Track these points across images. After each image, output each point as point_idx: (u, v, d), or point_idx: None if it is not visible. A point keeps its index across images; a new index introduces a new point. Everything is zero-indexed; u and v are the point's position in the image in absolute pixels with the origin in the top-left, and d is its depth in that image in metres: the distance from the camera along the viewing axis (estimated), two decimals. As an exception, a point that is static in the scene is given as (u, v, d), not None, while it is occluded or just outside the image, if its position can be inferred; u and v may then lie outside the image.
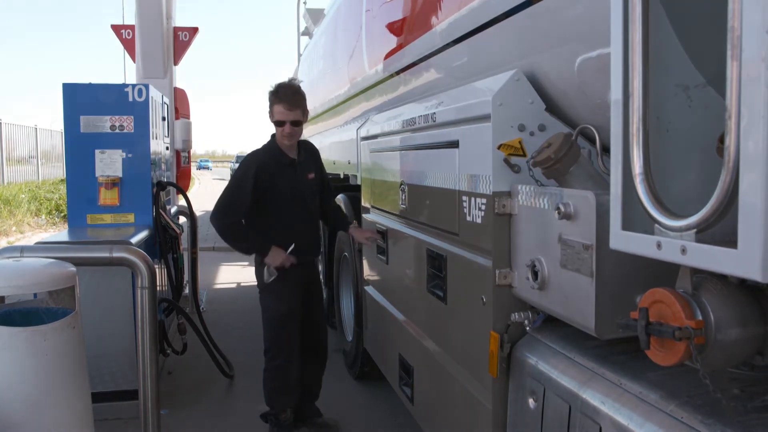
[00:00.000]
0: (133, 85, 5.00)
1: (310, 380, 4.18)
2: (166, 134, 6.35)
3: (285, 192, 3.85)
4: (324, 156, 6.47)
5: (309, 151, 4.11)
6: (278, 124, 3.79)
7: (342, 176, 5.76)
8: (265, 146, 3.97)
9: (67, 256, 3.02)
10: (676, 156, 1.54)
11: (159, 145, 5.68)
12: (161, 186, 5.34)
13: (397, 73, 3.99)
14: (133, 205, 5.01)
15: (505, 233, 2.43)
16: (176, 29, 8.45)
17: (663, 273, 1.64)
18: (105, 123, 4.90)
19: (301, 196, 3.93)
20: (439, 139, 2.97)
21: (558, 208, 2.02)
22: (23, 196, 16.47)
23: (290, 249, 3.80)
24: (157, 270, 3.86)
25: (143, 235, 4.67)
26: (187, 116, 8.47)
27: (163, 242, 5.20)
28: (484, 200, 2.49)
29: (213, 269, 10.17)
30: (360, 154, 4.77)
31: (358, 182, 4.86)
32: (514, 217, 2.39)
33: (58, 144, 24.54)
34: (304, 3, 9.58)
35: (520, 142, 2.39)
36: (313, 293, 4.15)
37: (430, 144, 3.11)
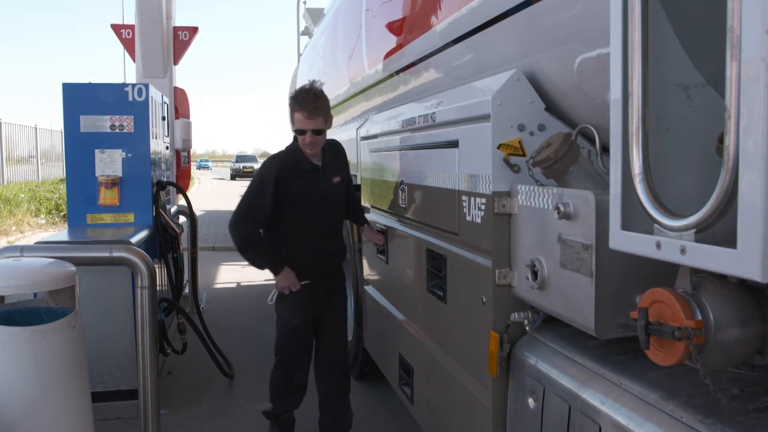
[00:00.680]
0: (133, 85, 4.99)
1: (333, 397, 3.96)
2: (166, 134, 6.35)
3: (306, 201, 3.65)
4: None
5: (334, 153, 3.84)
6: (299, 132, 3.57)
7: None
8: (287, 149, 3.73)
9: (67, 256, 3.02)
10: (675, 156, 1.54)
11: (159, 145, 5.68)
12: (161, 186, 5.33)
13: (397, 72, 3.99)
14: (133, 205, 5.01)
15: (505, 233, 2.43)
16: (176, 29, 8.45)
17: (663, 273, 1.64)
18: (105, 123, 4.90)
19: (323, 205, 3.75)
20: (439, 138, 2.97)
21: (558, 208, 2.02)
22: (23, 195, 16.47)
23: (304, 282, 3.69)
24: (157, 270, 3.87)
25: (143, 234, 4.67)
26: (187, 116, 8.47)
27: (163, 242, 5.20)
28: (483, 200, 2.49)
29: (213, 269, 10.17)
30: (360, 153, 4.76)
31: (358, 182, 4.86)
32: (514, 217, 2.39)
33: (57, 144, 24.55)
34: (304, 3, 9.58)
35: (519, 142, 2.39)
36: (334, 300, 3.94)
37: (430, 144, 3.11)
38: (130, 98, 4.94)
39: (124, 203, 4.97)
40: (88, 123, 4.88)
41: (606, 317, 1.90)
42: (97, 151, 4.91)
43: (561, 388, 2.07)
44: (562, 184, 2.17)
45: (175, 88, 8.20)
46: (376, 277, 4.47)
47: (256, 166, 46.46)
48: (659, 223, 1.43)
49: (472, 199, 2.59)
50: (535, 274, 2.22)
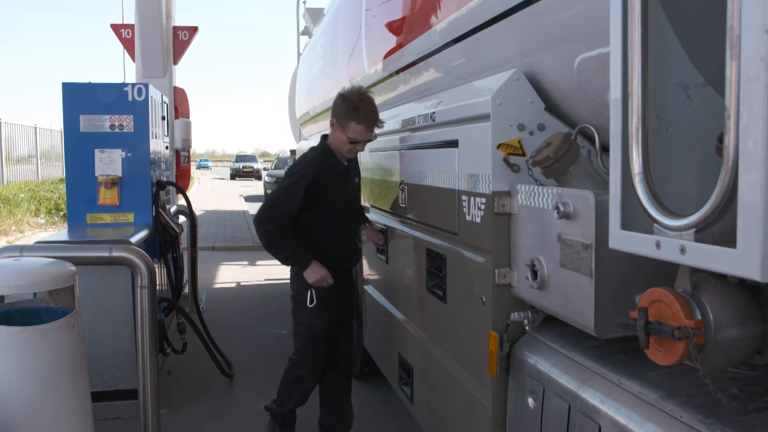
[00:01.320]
0: (133, 85, 4.99)
1: (336, 397, 3.96)
2: (166, 133, 6.35)
3: (337, 202, 3.68)
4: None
5: None
6: (352, 141, 3.55)
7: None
8: (319, 151, 3.68)
9: (66, 256, 3.02)
10: (675, 155, 1.54)
11: (159, 145, 5.67)
12: (161, 185, 5.33)
13: (397, 72, 3.99)
14: (132, 205, 5.01)
15: (505, 233, 2.43)
16: (176, 28, 8.45)
17: (662, 272, 1.64)
18: (105, 122, 4.90)
19: (349, 205, 3.83)
20: (439, 138, 2.97)
21: (557, 208, 2.02)
22: (23, 195, 16.46)
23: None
24: (156, 269, 3.87)
25: (143, 234, 4.67)
26: (187, 115, 8.47)
27: (163, 241, 5.20)
28: (483, 200, 2.49)
29: (213, 269, 10.17)
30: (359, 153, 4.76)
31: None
32: (514, 217, 2.39)
33: (57, 143, 24.54)
34: (304, 2, 9.58)
35: (519, 142, 2.39)
36: (347, 305, 3.95)
37: (430, 143, 3.11)
38: (130, 98, 4.94)
39: (123, 203, 4.97)
40: (87, 123, 4.88)
41: (606, 317, 1.90)
42: (96, 150, 4.90)
43: (561, 387, 2.07)
44: (561, 183, 2.17)
45: (175, 88, 8.20)
46: (375, 277, 4.47)
47: (256, 165, 46.43)
48: (659, 223, 1.43)
49: (472, 198, 2.59)
50: (534, 273, 2.22)
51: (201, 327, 5.35)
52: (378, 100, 4.61)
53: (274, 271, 9.37)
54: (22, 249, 3.41)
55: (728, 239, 1.25)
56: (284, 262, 3.76)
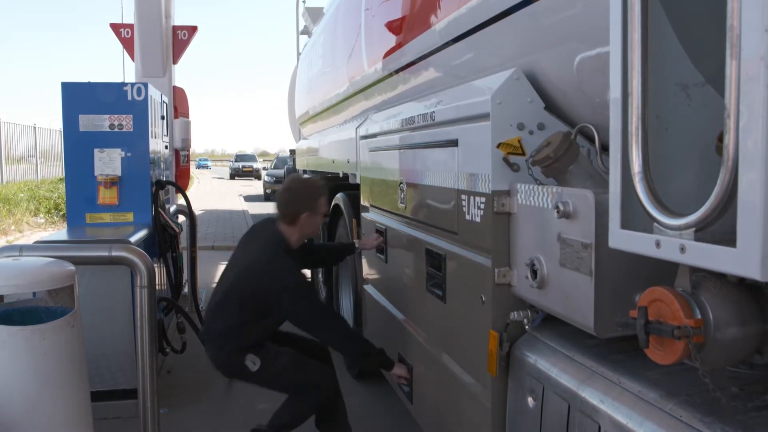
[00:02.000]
0: (132, 84, 4.99)
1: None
2: (165, 133, 6.34)
3: None
4: (323, 155, 6.47)
5: None
6: (324, 216, 3.66)
7: (341, 175, 5.76)
8: (280, 245, 3.50)
9: (66, 255, 3.02)
10: (675, 155, 1.54)
11: (158, 144, 5.67)
12: (160, 185, 5.33)
13: (396, 71, 3.99)
14: (132, 204, 5.01)
15: (504, 232, 2.43)
16: (175, 28, 8.44)
17: (662, 272, 1.64)
18: (104, 122, 4.90)
19: None
20: (438, 138, 2.97)
21: (557, 207, 2.02)
22: (22, 195, 16.45)
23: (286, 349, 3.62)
24: (156, 269, 3.86)
25: (142, 234, 4.67)
26: (187, 115, 8.46)
27: (163, 241, 5.20)
28: (483, 199, 2.49)
29: (212, 268, 10.16)
30: (359, 152, 4.77)
31: (357, 181, 4.86)
32: (513, 216, 2.39)
33: (57, 143, 24.53)
34: (303, 2, 9.57)
35: (519, 141, 2.39)
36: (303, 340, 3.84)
37: (429, 143, 3.11)
38: (129, 97, 4.94)
39: (123, 202, 4.97)
40: (87, 122, 4.88)
41: (605, 316, 1.90)
42: (96, 150, 4.90)
43: (560, 387, 2.07)
44: (561, 183, 2.17)
45: (175, 88, 8.20)
46: (375, 277, 4.47)
47: (255, 165, 46.39)
48: (659, 222, 1.43)
49: (472, 198, 2.59)
50: (534, 273, 2.22)
51: (200, 326, 5.34)
52: (377, 99, 4.62)
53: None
54: (22, 248, 3.41)
55: (728, 238, 1.25)
56: (377, 362, 3.61)
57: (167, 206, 6.06)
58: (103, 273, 4.26)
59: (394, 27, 3.97)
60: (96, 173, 4.90)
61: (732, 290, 1.51)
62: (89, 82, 5.05)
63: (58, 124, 25.87)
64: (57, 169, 23.44)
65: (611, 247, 1.62)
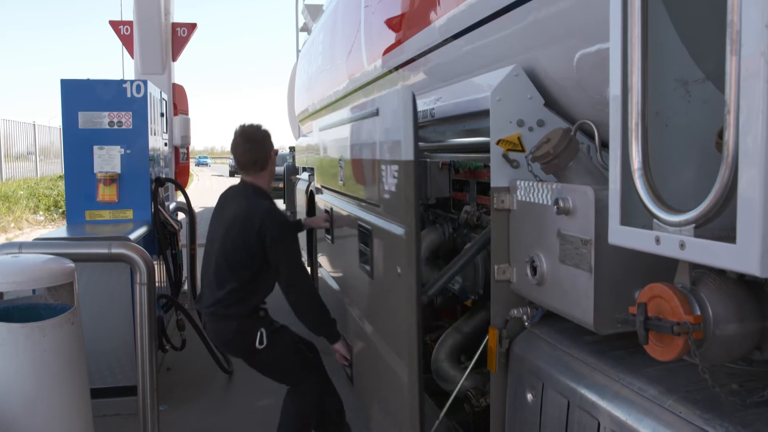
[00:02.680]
0: (132, 81, 4.99)
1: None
2: (165, 130, 6.34)
3: None
4: (323, 152, 6.48)
5: None
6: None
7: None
8: (268, 198, 3.57)
9: (65, 252, 3.02)
10: (674, 151, 1.54)
11: (157, 141, 5.67)
12: (160, 182, 5.33)
13: (396, 68, 3.98)
14: (131, 201, 5.01)
15: (504, 229, 2.43)
16: (174, 25, 8.44)
17: (662, 268, 1.64)
18: (103, 119, 4.90)
19: None
20: (363, 109, 2.94)
21: (557, 204, 2.02)
22: (22, 192, 16.45)
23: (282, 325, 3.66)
24: (155, 266, 3.87)
25: (142, 231, 4.67)
26: (186, 112, 8.46)
27: (162, 238, 5.20)
28: (396, 167, 2.46)
29: (212, 265, 10.15)
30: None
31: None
32: (513, 213, 2.39)
33: (56, 140, 24.52)
34: (303, -1, 9.55)
35: (518, 138, 2.39)
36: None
37: (357, 116, 3.08)
38: (129, 95, 4.94)
39: (122, 200, 4.97)
40: (86, 119, 4.88)
41: (605, 312, 1.90)
42: (95, 147, 4.91)
43: (560, 383, 2.07)
44: (561, 179, 2.17)
45: (174, 85, 8.19)
46: (324, 258, 4.46)
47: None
48: (658, 218, 1.43)
49: (389, 167, 2.56)
50: (534, 269, 2.22)
51: (200, 323, 5.34)
52: (377, 96, 4.60)
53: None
54: (21, 246, 3.41)
55: (728, 235, 1.25)
56: (327, 330, 3.56)
57: (167, 203, 6.06)
58: (103, 270, 4.27)
59: (393, 24, 3.96)
60: (95, 170, 4.91)
61: (731, 286, 1.51)
62: (88, 79, 5.05)
63: (57, 121, 25.85)
64: (56, 167, 23.44)
65: (611, 244, 1.62)
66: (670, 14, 1.53)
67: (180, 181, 7.01)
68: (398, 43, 3.85)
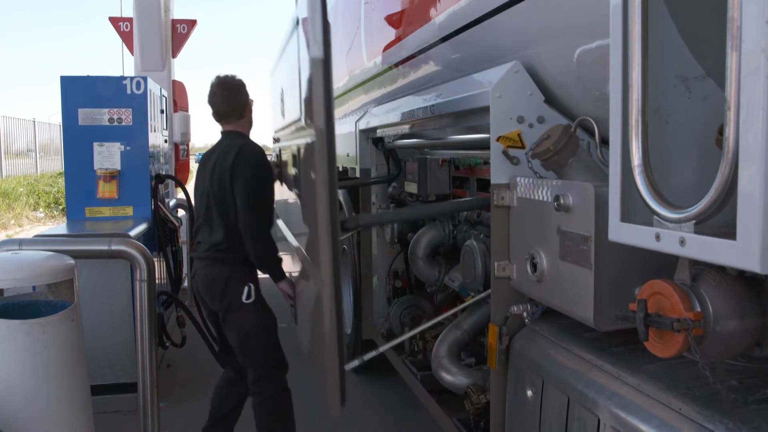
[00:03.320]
0: (132, 78, 4.99)
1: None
2: (165, 127, 6.34)
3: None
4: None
5: None
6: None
7: (341, 169, 5.74)
8: (246, 138, 3.64)
9: (65, 249, 3.01)
10: (675, 148, 1.54)
11: (157, 138, 5.67)
12: (160, 179, 5.33)
13: (396, 65, 3.98)
14: (131, 198, 5.01)
15: (504, 225, 2.43)
16: (174, 21, 8.43)
17: (662, 265, 1.64)
18: (103, 116, 4.89)
19: None
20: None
21: (557, 200, 2.02)
22: (21, 189, 16.46)
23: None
24: (155, 263, 3.86)
25: (142, 227, 4.67)
26: (186, 109, 8.46)
27: (162, 235, 5.20)
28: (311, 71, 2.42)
29: (212, 262, 10.16)
30: (359, 146, 4.75)
31: (357, 175, 4.85)
32: (513, 209, 2.39)
33: (56, 137, 24.53)
34: (303, -5, 9.53)
35: (518, 134, 2.38)
36: None
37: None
38: (129, 91, 4.93)
39: (122, 196, 4.97)
40: (86, 116, 4.87)
41: (605, 309, 1.90)
42: (95, 144, 4.90)
43: (560, 380, 2.07)
44: (561, 176, 2.16)
45: (174, 82, 8.19)
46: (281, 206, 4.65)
47: (255, 159, 46.24)
48: (658, 215, 1.43)
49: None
50: (534, 266, 2.22)
51: (200, 320, 5.34)
52: (377, 93, 4.61)
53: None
54: (21, 243, 3.40)
55: (728, 231, 1.25)
56: (270, 266, 3.56)
57: (167, 200, 6.06)
58: (103, 267, 4.27)
59: (393, 20, 3.96)
60: (95, 167, 4.90)
61: (731, 283, 1.51)
62: (88, 76, 5.04)
63: (57, 118, 25.84)
64: (56, 164, 23.44)
65: (611, 240, 1.62)
66: (671, 10, 1.52)
67: (180, 178, 7.00)
68: (398, 39, 3.85)
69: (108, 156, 4.91)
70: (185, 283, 6.67)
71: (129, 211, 5.00)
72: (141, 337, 3.49)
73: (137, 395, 3.52)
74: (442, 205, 3.42)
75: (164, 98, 6.23)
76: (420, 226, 3.88)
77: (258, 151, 3.51)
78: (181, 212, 6.90)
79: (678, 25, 1.53)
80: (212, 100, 3.60)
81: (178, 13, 10.11)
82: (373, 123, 4.28)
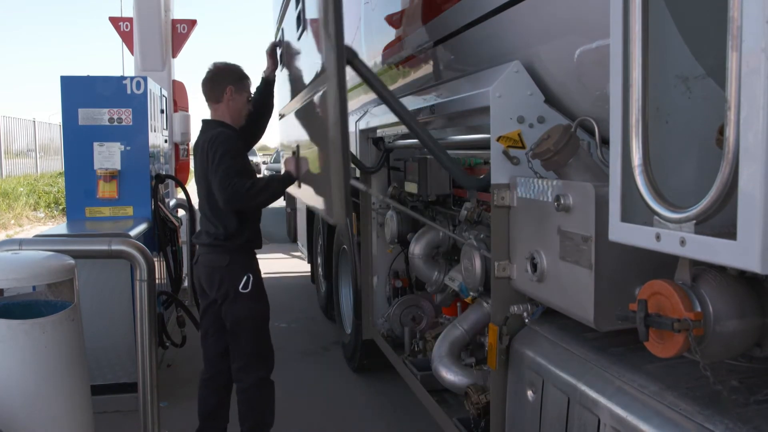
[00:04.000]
0: (132, 78, 4.99)
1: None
2: (165, 127, 6.34)
3: (252, 174, 3.64)
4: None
5: None
6: (249, 99, 3.70)
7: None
8: (223, 125, 3.58)
9: (65, 249, 3.01)
10: (675, 148, 1.54)
11: (157, 138, 5.67)
12: (160, 179, 5.33)
13: (396, 65, 3.97)
14: (131, 198, 5.01)
15: (504, 225, 2.43)
16: (174, 21, 8.43)
17: (662, 265, 1.64)
18: (103, 116, 4.89)
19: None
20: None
21: (557, 200, 2.02)
22: (22, 189, 16.46)
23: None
24: (155, 263, 3.86)
25: (142, 227, 4.67)
26: (186, 109, 8.46)
27: (162, 235, 5.20)
28: None
29: (212, 262, 10.15)
30: (359, 146, 4.75)
31: (357, 175, 4.85)
32: (513, 209, 2.39)
33: (56, 137, 24.53)
34: (303, -5, 9.53)
35: (519, 134, 2.38)
36: None
37: None
38: (129, 91, 4.93)
39: (122, 196, 4.97)
40: (86, 116, 4.87)
41: (605, 309, 1.90)
42: (95, 144, 4.90)
43: (560, 380, 2.07)
44: (561, 176, 2.16)
45: (174, 82, 8.19)
46: None
47: (255, 159, 46.19)
48: (659, 215, 1.43)
49: None
50: (534, 266, 2.22)
51: (200, 320, 5.35)
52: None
53: (273, 264, 9.37)
54: (21, 242, 3.40)
55: (728, 231, 1.25)
56: (272, 196, 3.46)
57: (167, 200, 6.06)
58: (103, 267, 4.27)
59: (393, 20, 3.95)
60: (95, 167, 4.90)
61: (732, 283, 1.51)
62: (88, 76, 5.04)
63: (57, 118, 25.86)
64: (56, 163, 23.44)
65: (611, 240, 1.62)
66: (671, 10, 1.52)
67: (180, 178, 7.00)
68: (398, 39, 3.84)
69: (108, 156, 4.91)
70: (185, 283, 6.67)
71: (129, 211, 5.00)
72: (141, 337, 3.49)
73: (137, 395, 3.51)
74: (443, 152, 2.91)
75: (164, 98, 6.23)
76: (420, 226, 3.88)
77: (228, 135, 3.48)
78: (181, 212, 6.90)
79: (678, 25, 1.53)
80: (203, 82, 3.69)
81: (178, 13, 10.12)
82: (373, 123, 4.28)
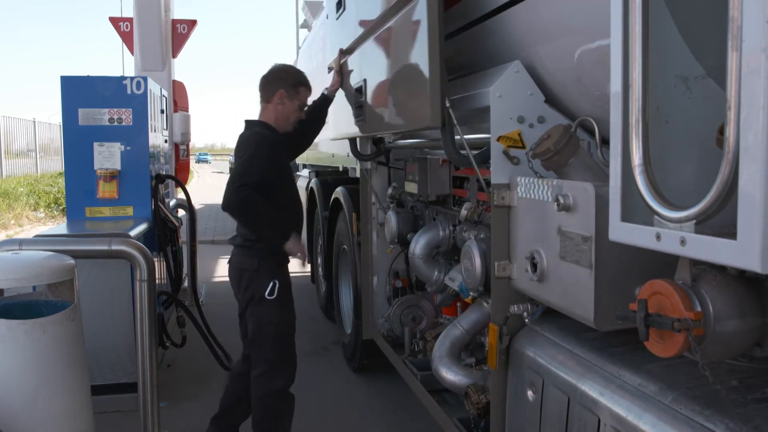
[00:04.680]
0: (132, 78, 4.99)
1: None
2: (165, 127, 6.34)
3: (289, 177, 3.62)
4: (323, 149, 6.46)
5: None
6: (302, 107, 3.63)
7: (341, 169, 5.75)
8: (264, 125, 3.54)
9: (65, 249, 3.01)
10: (675, 147, 1.54)
11: (158, 138, 5.67)
12: (160, 179, 5.33)
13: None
14: (131, 198, 5.01)
15: (504, 225, 2.43)
16: (175, 21, 8.43)
17: (662, 264, 1.64)
18: (103, 116, 4.89)
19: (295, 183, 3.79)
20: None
21: (557, 200, 2.02)
22: (22, 189, 16.46)
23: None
24: (156, 263, 3.86)
25: (142, 227, 4.67)
26: (186, 109, 8.46)
27: (162, 235, 5.20)
28: None
29: (212, 262, 10.17)
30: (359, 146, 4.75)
31: (357, 175, 4.85)
32: (513, 209, 2.39)
33: (56, 137, 24.54)
34: (303, -5, 9.54)
35: (519, 134, 2.38)
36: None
37: None
38: (129, 91, 4.93)
39: (123, 196, 4.97)
40: (86, 116, 4.87)
41: (605, 309, 1.90)
42: (95, 144, 4.90)
43: (560, 380, 2.07)
44: (561, 176, 2.16)
45: (174, 82, 8.19)
46: None
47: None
48: (659, 215, 1.43)
49: None
50: (534, 266, 2.22)
51: (200, 320, 5.35)
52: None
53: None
54: (22, 243, 3.40)
55: (728, 231, 1.25)
56: (263, 231, 3.43)
57: (167, 200, 6.06)
58: (103, 267, 4.27)
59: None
60: (95, 167, 4.90)
61: (732, 283, 1.51)
62: (88, 76, 5.04)
63: (57, 118, 25.88)
64: (56, 164, 23.46)
65: (611, 240, 1.62)
66: (671, 10, 1.52)
67: (180, 178, 7.00)
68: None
69: (108, 156, 4.91)
70: (185, 283, 6.67)
71: (129, 211, 5.00)
72: (141, 337, 3.49)
73: (137, 395, 3.52)
74: None
75: (164, 98, 6.23)
76: (420, 226, 3.88)
77: (264, 136, 3.43)
78: (181, 212, 6.90)
79: (678, 25, 1.53)
80: (261, 79, 3.68)
81: (178, 13, 10.12)
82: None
